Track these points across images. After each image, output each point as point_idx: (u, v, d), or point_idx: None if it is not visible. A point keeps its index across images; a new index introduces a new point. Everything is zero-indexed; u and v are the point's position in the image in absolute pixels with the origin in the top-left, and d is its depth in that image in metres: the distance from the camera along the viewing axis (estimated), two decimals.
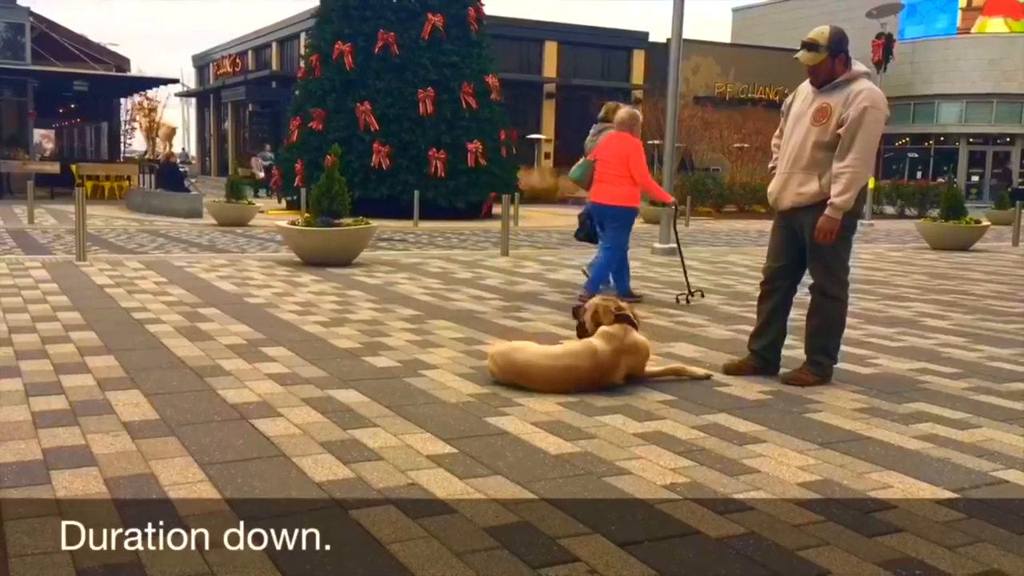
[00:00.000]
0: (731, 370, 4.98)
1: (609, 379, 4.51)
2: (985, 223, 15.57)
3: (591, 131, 8.41)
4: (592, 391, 4.42)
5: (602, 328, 4.60)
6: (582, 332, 4.75)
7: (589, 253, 8.71)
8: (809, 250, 4.77)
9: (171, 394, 4.23)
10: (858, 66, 4.70)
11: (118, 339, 5.51)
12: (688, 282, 7.99)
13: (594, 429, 3.85)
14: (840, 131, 4.53)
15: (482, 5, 23.55)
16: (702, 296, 7.98)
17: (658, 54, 39.24)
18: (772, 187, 4.92)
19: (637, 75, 47.06)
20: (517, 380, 4.49)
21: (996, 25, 44.23)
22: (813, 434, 3.85)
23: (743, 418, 4.06)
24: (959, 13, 44.92)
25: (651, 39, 46.86)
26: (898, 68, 35.52)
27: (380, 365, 5.01)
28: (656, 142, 29.55)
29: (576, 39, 45.87)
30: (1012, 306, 7.97)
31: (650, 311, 7.14)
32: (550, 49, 45.68)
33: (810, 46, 4.63)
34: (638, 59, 47.49)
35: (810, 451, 3.61)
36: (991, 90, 44.47)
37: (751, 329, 5.14)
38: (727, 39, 56.29)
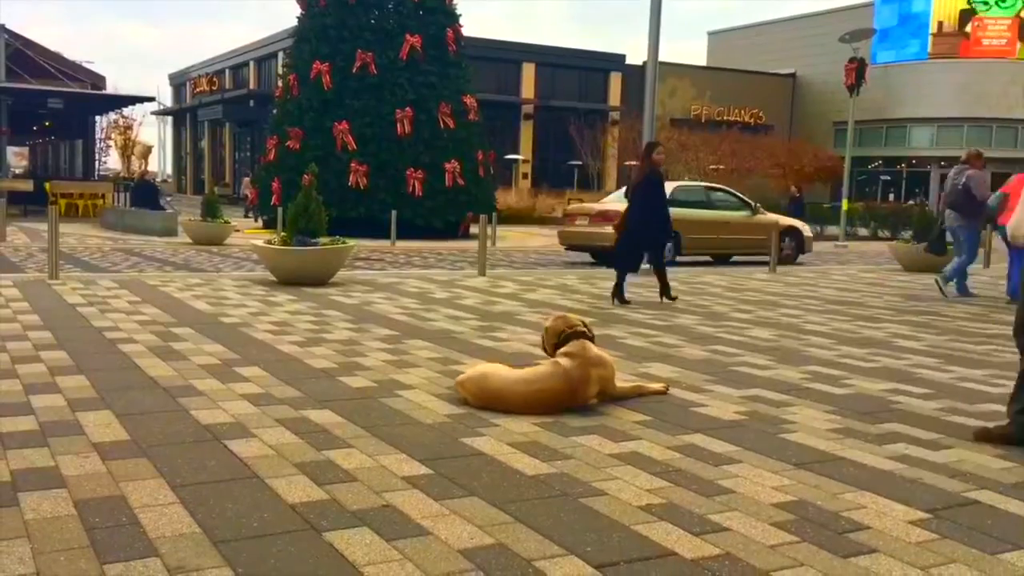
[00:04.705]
0: (982, 436, 4.14)
1: (582, 395, 4.51)
2: None
3: (952, 172, 10.84)
4: (567, 411, 4.42)
5: (563, 348, 4.63)
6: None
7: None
8: None
9: (143, 415, 4.19)
10: None
11: (89, 359, 5.45)
12: None
13: (570, 450, 3.84)
14: None
15: (460, 26, 23.68)
16: None
17: (635, 76, 39.59)
18: None
19: (614, 97, 47.49)
20: (492, 405, 4.47)
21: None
22: (788, 454, 3.86)
23: (718, 439, 4.07)
24: (930, 39, 45.65)
25: (628, 61, 47.31)
26: (871, 91, 36.04)
27: (356, 385, 4.98)
28: (633, 163, 29.74)
29: (554, 61, 46.24)
30: (983, 327, 8.06)
31: (626, 331, 7.16)
32: (528, 70, 46.00)
33: None
34: (615, 81, 47.92)
35: (785, 471, 3.63)
36: (962, 114, 45.17)
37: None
38: (703, 62, 56.90)
